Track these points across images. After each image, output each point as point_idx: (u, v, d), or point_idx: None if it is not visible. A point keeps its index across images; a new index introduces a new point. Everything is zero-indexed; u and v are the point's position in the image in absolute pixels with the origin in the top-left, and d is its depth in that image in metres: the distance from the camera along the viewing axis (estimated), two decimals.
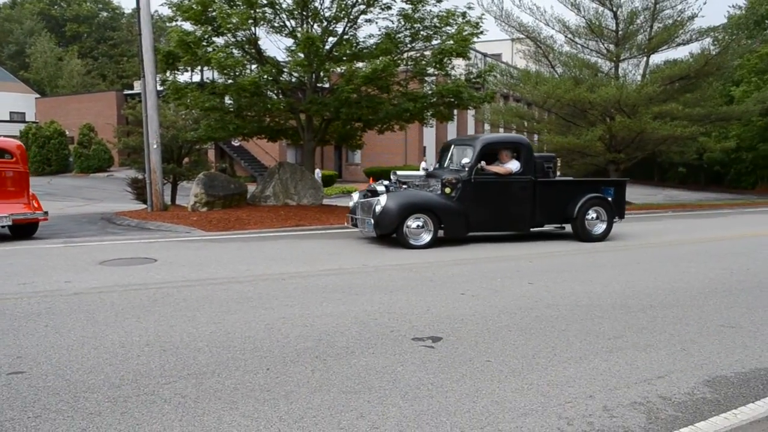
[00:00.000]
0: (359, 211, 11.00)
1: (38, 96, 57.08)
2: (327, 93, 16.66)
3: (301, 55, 14.85)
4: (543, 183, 11.13)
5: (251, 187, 18.86)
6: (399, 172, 11.73)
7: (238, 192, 15.98)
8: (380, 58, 14.47)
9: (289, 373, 4.24)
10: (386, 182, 11.40)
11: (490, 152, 11.04)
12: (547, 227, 11.51)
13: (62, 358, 4.52)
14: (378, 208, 10.35)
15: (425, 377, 4.18)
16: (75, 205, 21.65)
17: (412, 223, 10.23)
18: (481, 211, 10.72)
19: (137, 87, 42.66)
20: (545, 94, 22.02)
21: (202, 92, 15.56)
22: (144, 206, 16.58)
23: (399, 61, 15.64)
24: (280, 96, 16.39)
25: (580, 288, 7.11)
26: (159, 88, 15.99)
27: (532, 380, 4.16)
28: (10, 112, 57.63)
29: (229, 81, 15.46)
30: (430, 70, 16.12)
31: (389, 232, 10.31)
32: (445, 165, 11.35)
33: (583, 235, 11.28)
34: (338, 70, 15.23)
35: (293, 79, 16.45)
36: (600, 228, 11.41)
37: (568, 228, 11.88)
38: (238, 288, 6.97)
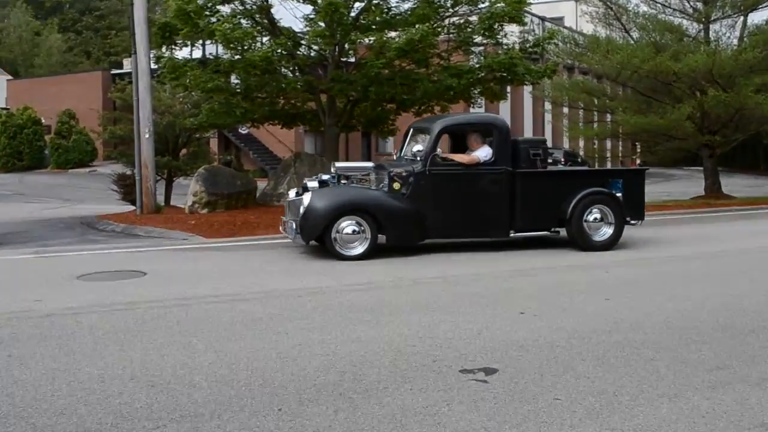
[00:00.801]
0: (288, 212, 10.74)
1: (10, 78, 58.39)
2: (353, 69, 16.58)
3: (322, 25, 14.81)
4: (525, 175, 10.53)
5: (261, 184, 18.87)
6: (339, 164, 11.48)
7: (245, 190, 15.98)
8: (417, 26, 14.36)
9: (307, 414, 4.13)
10: (325, 176, 11.08)
11: (457, 137, 10.82)
12: (532, 232, 10.88)
13: (27, 395, 4.46)
14: (301, 209, 10.12)
15: (477, 420, 4.04)
16: (50, 207, 21.97)
17: (345, 227, 9.94)
18: (440, 212, 10.32)
19: (127, 65, 43.25)
20: (619, 64, 21.64)
21: (204, 70, 15.63)
22: (132, 208, 16.70)
23: (439, 29, 15.50)
24: (297, 73, 16.38)
25: (671, 305, 6.88)
26: (153, 66, 16.13)
27: (614, 424, 3.99)
28: None
29: (237, 57, 15.50)
30: (477, 39, 15.93)
31: (315, 239, 10.10)
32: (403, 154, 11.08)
33: (581, 241, 10.54)
34: (366, 41, 15.15)
35: (312, 53, 16.41)
36: (604, 233, 10.64)
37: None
38: (244, 307, 6.89)
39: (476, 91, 16.48)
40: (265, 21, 15.87)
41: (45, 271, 9.15)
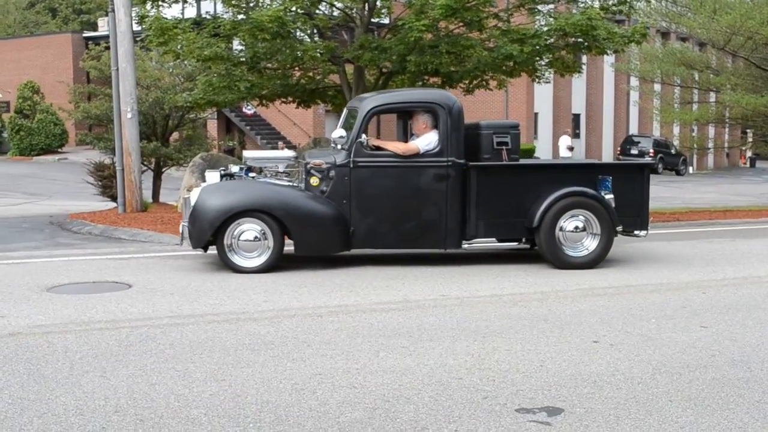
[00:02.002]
0: (184, 212, 10.73)
1: None
2: (387, 33, 16.68)
3: None
4: (480, 170, 10.39)
5: None
6: (249, 153, 11.45)
7: None
8: None
9: None
10: (235, 168, 11.10)
11: (405, 119, 10.75)
12: (492, 243, 10.83)
13: None
14: (187, 210, 10.19)
15: None
16: (11, 202, 22.41)
17: (244, 232, 10.01)
18: (368, 215, 10.29)
19: (103, 27, 43.89)
20: (729, 28, 21.49)
21: (200, 33, 15.81)
22: (113, 205, 17.01)
23: None
24: (316, 38, 16.51)
25: None
26: (136, 28, 16.37)
27: None
28: None
29: (240, 16, 15.68)
30: None
31: (205, 245, 10.14)
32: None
33: (550, 256, 10.35)
34: None
35: (336, 13, 16.53)
36: (585, 247, 10.44)
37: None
38: (251, 328, 7.06)
39: (543, 62, 16.49)
40: None
41: (7, 281, 9.38)
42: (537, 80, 17.64)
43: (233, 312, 7.75)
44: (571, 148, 34.69)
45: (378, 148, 10.41)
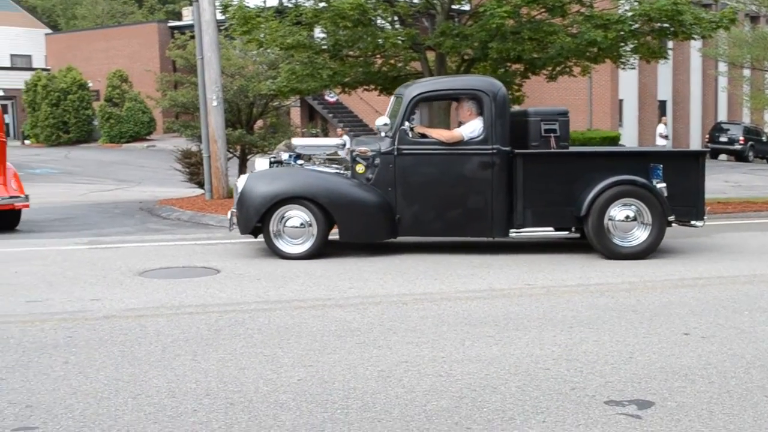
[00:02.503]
0: (234, 198, 10.90)
1: (49, 32, 61.03)
2: (468, 19, 16.59)
3: None
4: (527, 157, 10.28)
5: None
6: (298, 141, 11.49)
7: None
8: None
9: None
10: (285, 155, 11.15)
11: (439, 105, 10.54)
12: (541, 232, 10.56)
13: (88, 410, 4.80)
14: (236, 196, 10.32)
15: None
16: (103, 188, 23.02)
17: (290, 219, 10.11)
18: (413, 203, 10.29)
19: (188, 16, 44.57)
20: None
21: (282, 22, 15.98)
22: (200, 191, 17.32)
23: None
24: (398, 25, 16.52)
25: None
26: (220, 17, 16.59)
27: None
28: (11, 56, 61.96)
29: (322, 4, 15.78)
30: None
31: (252, 231, 10.28)
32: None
33: (599, 246, 10.18)
34: None
35: (416, 0, 16.49)
36: (635, 237, 10.20)
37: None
38: (337, 315, 7.13)
39: (628, 48, 16.26)
40: None
41: (101, 265, 9.67)
42: (621, 66, 17.39)
43: (319, 298, 7.84)
44: (665, 137, 34.04)
45: (423, 136, 10.40)
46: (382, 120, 10.33)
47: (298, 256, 9.99)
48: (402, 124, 10.19)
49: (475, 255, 10.33)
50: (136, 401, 4.94)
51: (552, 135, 10.40)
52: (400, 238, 10.58)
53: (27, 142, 47.02)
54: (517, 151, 10.25)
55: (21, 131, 49.50)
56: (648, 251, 10.14)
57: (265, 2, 18.81)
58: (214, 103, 15.67)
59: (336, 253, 10.48)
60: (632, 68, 18.78)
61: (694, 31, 15.51)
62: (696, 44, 30.75)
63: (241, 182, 10.42)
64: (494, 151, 10.14)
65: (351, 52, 16.66)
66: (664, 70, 40.49)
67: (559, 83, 19.40)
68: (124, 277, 8.95)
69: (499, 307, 7.43)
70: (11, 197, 12.84)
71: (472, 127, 10.28)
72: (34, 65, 58.07)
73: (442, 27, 15.50)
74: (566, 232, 10.57)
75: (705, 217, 10.70)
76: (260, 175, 10.52)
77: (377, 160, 10.26)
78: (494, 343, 6.19)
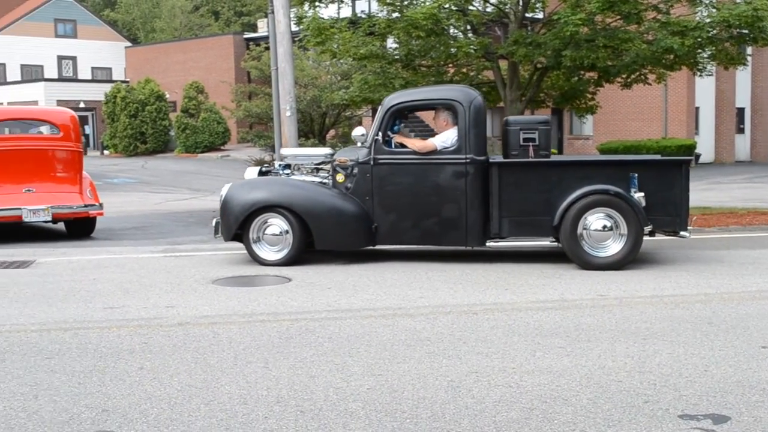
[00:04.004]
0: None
1: (129, 45, 62.41)
2: (541, 28, 16.52)
3: None
4: (501, 167, 10.24)
5: None
6: (287, 150, 11.62)
7: None
8: None
9: None
10: (279, 163, 11.35)
11: (414, 116, 10.42)
12: (518, 242, 10.56)
13: (162, 414, 4.90)
14: (218, 203, 10.64)
15: None
16: (178, 198, 23.41)
17: (269, 227, 10.35)
18: (389, 211, 10.37)
19: (263, 28, 45.20)
20: None
21: (356, 32, 16.11)
22: None
23: None
24: (470, 35, 16.52)
25: None
26: (294, 28, 16.78)
27: None
28: (92, 68, 63.65)
29: (395, 15, 15.86)
30: None
31: (232, 239, 10.50)
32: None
33: (572, 256, 10.06)
34: None
35: (489, 9, 16.49)
36: (610, 247, 10.00)
37: None
38: (407, 324, 7.14)
39: (705, 55, 16.03)
40: None
41: (176, 273, 9.87)
42: (699, 73, 17.13)
43: (389, 307, 7.86)
44: None
45: (402, 145, 10.47)
46: (359, 130, 10.58)
47: (275, 263, 10.24)
48: (377, 134, 10.34)
49: (546, 264, 10.25)
50: (208, 407, 5.01)
51: (531, 144, 10.39)
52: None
53: (106, 152, 48.12)
54: (491, 160, 10.29)
55: (100, 142, 50.69)
56: (622, 262, 9.96)
57: (338, 13, 18.95)
58: (288, 113, 15.82)
59: (405, 262, 10.53)
60: (709, 75, 18.47)
61: None
62: None
63: (224, 191, 10.73)
64: (467, 160, 10.19)
65: (423, 62, 16.74)
66: (743, 76, 39.67)
67: (633, 91, 19.18)
68: (198, 284, 9.10)
69: (570, 318, 7.36)
70: (86, 205, 13.36)
71: (445, 137, 10.37)
72: (114, 77, 59.55)
73: (515, 35, 15.47)
74: (546, 242, 10.52)
75: (690, 228, 10.45)
76: (242, 184, 10.87)
77: (355, 170, 10.45)
78: (565, 355, 6.14)
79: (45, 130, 14.43)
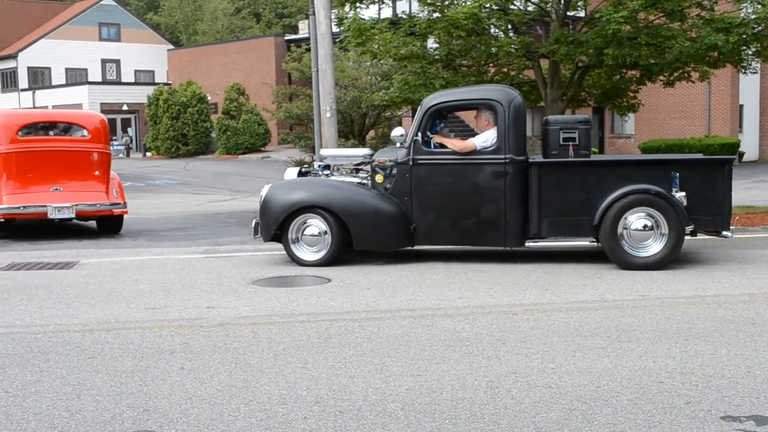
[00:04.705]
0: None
1: (171, 47, 63.07)
2: (583, 26, 16.44)
3: None
4: (541, 167, 10.22)
5: None
6: (326, 151, 11.67)
7: None
8: None
9: None
10: (318, 164, 11.40)
11: (453, 116, 10.30)
12: (559, 242, 10.49)
13: (202, 414, 4.94)
14: (258, 204, 10.65)
15: None
16: (219, 199, 23.61)
17: (308, 227, 10.40)
18: (428, 212, 10.35)
19: (304, 29, 45.43)
20: None
21: (396, 33, 16.14)
22: None
23: None
24: (511, 34, 16.49)
25: None
26: (335, 29, 16.84)
27: None
28: (135, 71, 64.40)
29: (436, 15, 15.87)
30: None
31: (271, 239, 10.57)
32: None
33: (612, 256, 9.99)
34: None
35: (530, 8, 16.44)
36: (651, 247, 9.90)
37: None
38: (446, 324, 7.14)
39: (750, 51, 15.87)
40: None
41: (216, 274, 9.95)
42: (743, 71, 16.94)
43: (428, 308, 7.86)
44: None
45: (441, 145, 10.43)
46: (398, 131, 10.57)
47: (314, 264, 10.28)
48: (416, 134, 10.33)
49: (586, 265, 10.18)
50: (248, 407, 5.05)
51: (571, 144, 10.35)
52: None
53: (148, 154, 48.70)
54: (530, 160, 10.25)
55: (143, 144, 51.29)
56: (663, 262, 9.88)
57: (379, 14, 18.99)
58: (328, 114, 15.89)
59: (444, 262, 10.53)
60: (754, 72, 18.26)
61: None
62: None
63: (263, 191, 10.78)
64: (507, 160, 10.14)
65: (464, 62, 16.73)
66: None
67: (675, 89, 19.03)
68: (238, 285, 9.17)
69: (611, 319, 7.32)
70: (111, 204, 14.02)
71: (485, 137, 10.34)
72: (157, 80, 60.14)
73: (556, 34, 15.40)
74: (586, 242, 10.44)
75: (732, 227, 10.36)
76: (281, 184, 10.91)
77: (394, 170, 10.45)
78: (606, 355, 6.10)
79: (75, 132, 15.03)
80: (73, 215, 13.75)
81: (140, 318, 7.57)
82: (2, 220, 13.69)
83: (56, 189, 13.83)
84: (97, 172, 14.34)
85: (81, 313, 7.82)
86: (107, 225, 14.58)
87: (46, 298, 8.56)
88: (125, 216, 14.50)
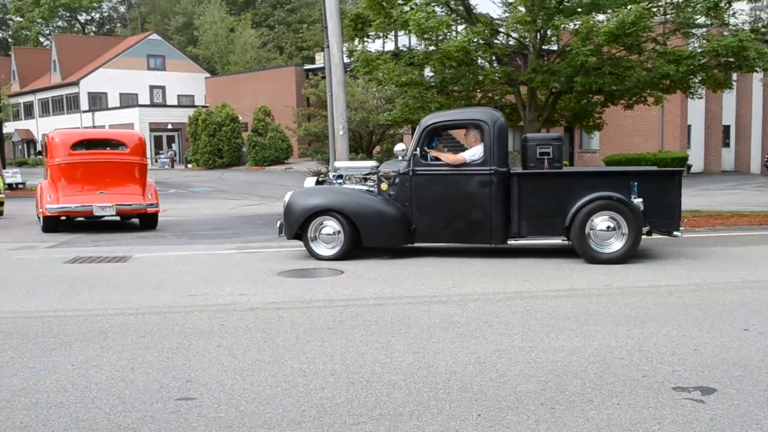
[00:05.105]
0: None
1: (208, 75, 63.10)
2: (556, 57, 16.45)
3: (522, 9, 14.83)
4: (520, 177, 10.28)
5: None
6: (339, 163, 11.74)
7: None
8: (629, 7, 13.99)
9: (506, 422, 4.27)
10: (333, 174, 11.52)
11: (447, 134, 10.35)
12: (536, 240, 10.57)
13: (236, 384, 4.96)
14: (282, 208, 10.81)
15: None
16: (249, 203, 23.60)
17: (325, 227, 10.47)
18: (425, 214, 10.42)
19: (320, 60, 45.40)
20: None
21: (398, 63, 16.16)
22: None
23: (655, 10, 15.07)
24: (495, 64, 16.50)
25: None
26: (346, 60, 16.86)
27: None
28: (178, 96, 64.43)
29: (431, 48, 15.89)
30: (700, 20, 15.32)
31: (293, 237, 10.65)
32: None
33: (581, 252, 10.03)
34: (571, 26, 15.00)
35: (511, 42, 16.45)
36: (613, 244, 9.95)
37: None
38: (441, 310, 7.16)
39: (697, 80, 15.86)
40: (461, 8, 16.08)
41: (247, 267, 9.96)
42: (691, 96, 16.94)
43: (426, 295, 7.87)
44: None
45: (437, 159, 10.47)
46: (400, 146, 10.76)
47: (329, 258, 10.36)
48: (415, 149, 10.41)
49: (559, 259, 10.19)
50: (274, 379, 5.07)
51: (546, 157, 10.41)
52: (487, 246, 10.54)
53: (189, 165, 48.72)
54: (511, 171, 10.32)
55: (185, 157, 51.33)
56: (624, 257, 9.91)
57: (383, 47, 18.98)
58: (341, 132, 15.89)
59: (439, 257, 10.52)
60: (700, 97, 18.23)
61: (756, 65, 15.03)
62: (758, 76, 29.63)
63: (287, 197, 10.86)
64: (492, 171, 10.18)
65: (455, 88, 16.74)
66: (729, 98, 39.09)
67: (634, 111, 19.00)
68: (266, 276, 9.19)
69: (579, 305, 7.32)
70: (146, 204, 14.96)
71: (473, 152, 10.37)
72: (196, 103, 60.24)
73: (533, 65, 15.43)
74: (558, 240, 10.45)
75: (682, 228, 10.43)
76: (302, 191, 10.96)
77: (397, 180, 10.50)
78: (575, 336, 6.11)
79: (118, 147, 15.93)
80: (114, 213, 14.65)
81: (183, 303, 7.60)
82: (63, 217, 14.78)
83: (101, 192, 14.83)
84: (135, 179, 15.35)
85: (134, 299, 7.85)
86: (145, 221, 15.33)
87: (105, 286, 8.60)
88: (172, 218, 14.71)
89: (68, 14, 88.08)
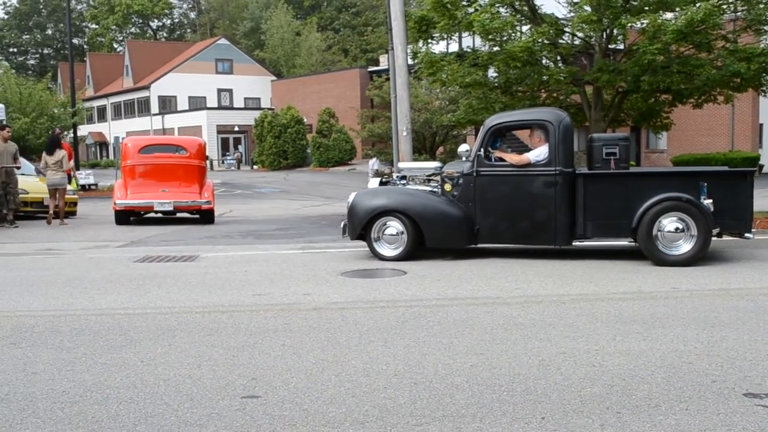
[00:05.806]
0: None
1: (274, 78, 63.91)
2: (622, 57, 16.19)
3: (588, 9, 14.64)
4: (586, 177, 10.05)
5: None
6: (403, 164, 11.64)
7: None
8: (698, 5, 13.71)
9: (571, 426, 4.20)
10: (396, 175, 11.39)
11: (511, 134, 10.04)
12: (601, 242, 10.30)
13: (300, 383, 4.99)
14: (346, 208, 10.78)
15: None
16: (313, 204, 23.80)
17: (388, 228, 10.44)
18: (489, 215, 10.29)
19: (384, 62, 45.57)
20: None
21: (462, 64, 16.11)
22: None
23: (725, 6, 14.73)
24: (560, 64, 16.33)
25: None
26: (410, 62, 16.88)
27: None
28: (245, 98, 65.44)
29: (495, 48, 15.80)
30: None
31: (357, 238, 10.65)
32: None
33: (648, 255, 9.76)
34: (638, 24, 14.75)
35: (577, 41, 16.26)
36: (682, 246, 9.63)
37: None
38: (504, 311, 7.09)
39: None
40: (526, 8, 15.96)
41: (311, 266, 10.02)
42: (763, 94, 16.47)
43: (489, 297, 7.81)
44: None
45: (501, 159, 10.34)
46: (464, 147, 10.67)
47: (392, 259, 10.32)
48: (479, 150, 10.31)
49: (625, 261, 10.00)
50: (337, 378, 5.08)
51: (612, 158, 10.21)
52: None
53: (255, 167, 49.41)
54: (577, 172, 10.16)
55: (251, 158, 52.07)
56: (692, 260, 9.63)
57: (447, 48, 18.95)
58: (404, 133, 15.90)
59: (503, 258, 10.44)
60: None
61: None
62: None
63: (350, 198, 10.86)
64: (557, 172, 10.02)
65: (519, 88, 16.64)
66: None
67: (703, 110, 18.58)
68: (329, 276, 9.22)
69: (647, 308, 7.16)
70: (201, 201, 16.48)
71: (538, 152, 10.21)
72: (262, 105, 61.08)
73: (599, 64, 15.22)
74: (625, 242, 10.27)
75: (753, 230, 10.17)
76: (365, 192, 10.96)
77: (461, 180, 10.41)
78: (642, 339, 5.98)
79: (179, 151, 17.53)
80: (172, 208, 16.29)
81: (249, 302, 7.68)
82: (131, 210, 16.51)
83: (163, 190, 16.40)
84: (193, 179, 16.89)
85: (201, 297, 7.97)
86: (203, 217, 16.76)
87: (173, 285, 8.75)
88: (239, 217, 15.16)
89: (141, 21, 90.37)
